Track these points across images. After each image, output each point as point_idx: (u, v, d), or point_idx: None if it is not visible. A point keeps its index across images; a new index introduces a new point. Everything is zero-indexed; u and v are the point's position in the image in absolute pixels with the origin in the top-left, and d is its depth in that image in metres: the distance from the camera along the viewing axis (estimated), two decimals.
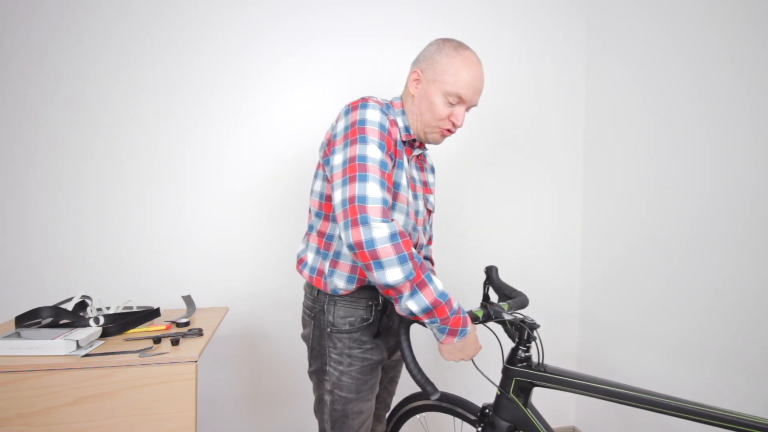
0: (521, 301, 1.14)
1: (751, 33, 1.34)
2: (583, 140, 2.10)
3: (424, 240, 1.18)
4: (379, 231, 0.86)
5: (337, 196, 0.92)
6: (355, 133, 0.95)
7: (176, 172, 1.73)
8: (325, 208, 1.08)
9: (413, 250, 0.90)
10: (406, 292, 0.88)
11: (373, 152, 0.93)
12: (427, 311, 0.90)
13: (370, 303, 1.08)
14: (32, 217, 1.64)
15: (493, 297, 1.20)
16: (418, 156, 1.19)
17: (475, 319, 1.01)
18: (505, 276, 2.01)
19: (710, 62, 1.46)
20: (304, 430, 1.87)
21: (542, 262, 2.09)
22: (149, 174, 1.71)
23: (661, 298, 1.65)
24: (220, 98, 1.75)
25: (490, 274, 1.20)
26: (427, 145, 1.21)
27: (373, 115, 0.97)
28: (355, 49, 1.83)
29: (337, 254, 1.05)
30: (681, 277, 1.57)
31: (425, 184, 1.21)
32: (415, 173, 1.15)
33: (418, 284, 0.89)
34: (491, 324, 1.05)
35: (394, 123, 1.03)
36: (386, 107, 1.03)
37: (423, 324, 0.97)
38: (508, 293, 1.16)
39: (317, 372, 1.12)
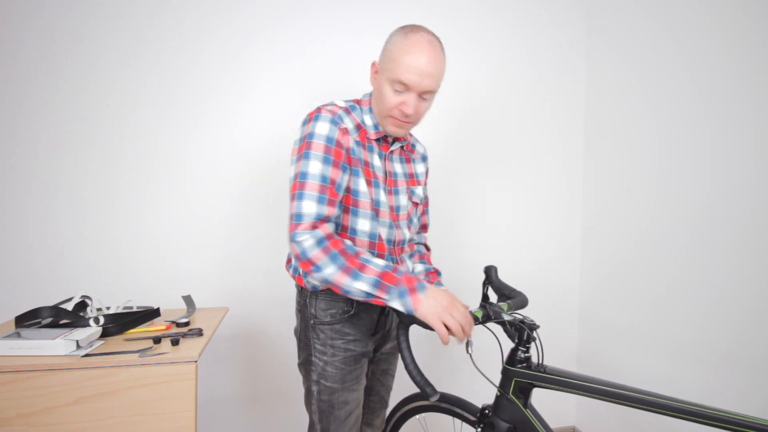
0: (521, 301, 1.14)
1: (751, 33, 1.34)
2: (583, 140, 2.10)
3: (407, 234, 1.20)
4: (307, 242, 0.97)
5: (288, 212, 1.03)
6: (302, 148, 1.02)
7: (176, 172, 1.74)
8: None
9: (345, 244, 0.99)
10: (348, 279, 0.96)
11: (314, 168, 1.00)
12: (379, 284, 0.96)
13: (350, 298, 1.09)
14: (32, 217, 1.64)
15: (493, 297, 1.19)
16: (403, 148, 1.20)
17: (474, 319, 1.01)
18: (504, 276, 2.01)
19: (711, 62, 1.46)
20: (304, 430, 1.87)
21: (542, 262, 2.09)
22: (149, 174, 1.72)
23: (662, 299, 1.65)
24: (219, 98, 1.75)
25: (490, 273, 1.19)
26: (416, 135, 1.23)
27: (321, 128, 1.02)
28: (355, 49, 1.83)
29: None
30: (681, 277, 1.57)
31: (411, 176, 1.22)
32: (398, 167, 1.17)
33: (358, 268, 0.97)
34: (491, 324, 1.05)
35: (346, 131, 1.05)
36: (340, 115, 1.05)
37: (422, 326, 0.97)
38: (507, 293, 1.15)
39: (304, 363, 1.16)
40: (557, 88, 2.05)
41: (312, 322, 1.13)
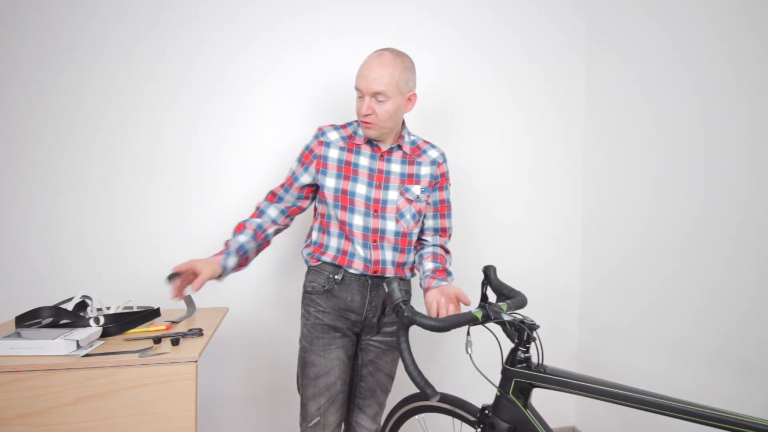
0: (520, 300, 1.13)
1: (750, 33, 1.34)
2: (583, 140, 2.10)
3: (391, 226, 1.34)
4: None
5: None
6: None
7: (176, 172, 1.74)
8: (314, 209, 1.46)
9: (252, 216, 1.38)
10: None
11: (294, 165, 1.40)
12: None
13: (329, 275, 1.34)
14: (32, 217, 1.64)
15: (492, 297, 1.20)
16: (404, 151, 1.37)
17: (474, 320, 1.01)
18: (504, 276, 2.01)
19: (710, 62, 1.46)
20: None
21: (542, 263, 2.09)
22: (149, 174, 1.72)
23: (661, 299, 1.65)
24: (220, 98, 1.75)
25: (489, 273, 1.19)
26: (432, 142, 1.43)
27: (308, 140, 1.40)
28: (355, 49, 1.83)
29: (310, 239, 1.43)
30: (680, 277, 1.57)
31: (410, 176, 1.37)
32: (395, 167, 1.36)
33: (237, 231, 1.35)
34: (490, 324, 1.05)
35: (321, 143, 1.35)
36: (324, 131, 1.36)
37: (422, 326, 0.97)
38: (506, 293, 1.15)
39: (300, 323, 1.43)
40: (557, 89, 2.05)
41: (303, 290, 1.41)
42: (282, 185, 1.40)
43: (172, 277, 1.16)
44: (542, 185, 2.07)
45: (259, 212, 1.40)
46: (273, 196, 1.41)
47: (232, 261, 1.28)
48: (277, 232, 1.42)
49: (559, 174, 2.08)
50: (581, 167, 2.10)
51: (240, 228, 1.35)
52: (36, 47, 1.61)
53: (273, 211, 1.40)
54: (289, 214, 1.42)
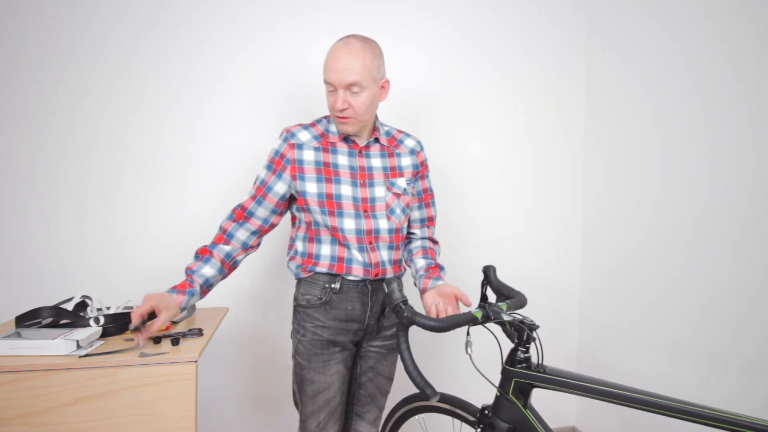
0: (520, 300, 1.13)
1: (750, 32, 1.34)
2: (583, 140, 2.10)
3: (383, 225, 1.27)
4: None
5: None
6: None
7: (177, 172, 1.74)
8: (292, 218, 1.36)
9: (216, 241, 1.25)
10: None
11: (263, 173, 1.26)
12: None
13: (326, 285, 1.25)
14: (32, 217, 1.64)
15: (492, 297, 1.20)
16: (382, 144, 1.31)
17: (474, 320, 1.01)
18: (504, 276, 2.01)
19: (710, 62, 1.46)
20: None
21: (542, 262, 2.09)
22: (150, 174, 1.72)
23: (661, 299, 1.65)
24: (220, 98, 1.75)
25: (488, 273, 1.19)
26: (406, 131, 1.40)
27: (275, 144, 1.27)
28: None
29: (294, 250, 1.32)
30: (681, 277, 1.57)
31: (393, 169, 1.31)
32: (375, 162, 1.29)
33: (203, 258, 1.22)
34: (490, 325, 1.05)
35: (293, 146, 1.24)
36: (293, 132, 1.25)
37: (422, 326, 0.97)
38: (506, 293, 1.15)
39: (291, 338, 1.34)
40: (557, 89, 2.05)
41: (295, 304, 1.31)
42: (253, 197, 1.25)
43: (136, 329, 1.08)
44: (542, 185, 2.07)
45: (227, 236, 1.26)
46: (242, 212, 1.26)
47: (194, 300, 1.19)
48: (247, 255, 1.31)
49: (559, 174, 2.08)
50: (581, 167, 2.10)
51: (204, 253, 1.23)
52: (36, 47, 1.61)
53: (242, 234, 1.27)
54: (261, 234, 1.30)
